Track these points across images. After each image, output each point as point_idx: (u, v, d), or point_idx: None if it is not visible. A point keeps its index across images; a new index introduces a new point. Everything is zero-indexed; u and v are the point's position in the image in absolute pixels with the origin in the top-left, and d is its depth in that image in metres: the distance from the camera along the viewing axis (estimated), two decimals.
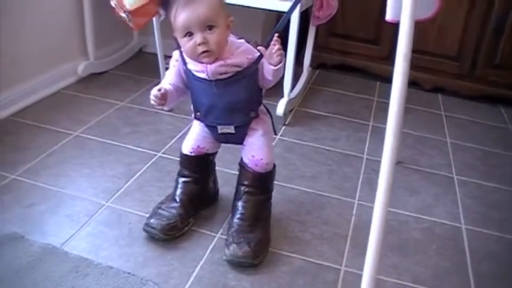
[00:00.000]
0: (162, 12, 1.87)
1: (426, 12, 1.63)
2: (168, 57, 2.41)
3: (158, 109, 2.35)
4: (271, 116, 1.59)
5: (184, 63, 1.46)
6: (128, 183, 1.81)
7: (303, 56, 2.86)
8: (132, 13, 1.87)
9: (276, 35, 1.37)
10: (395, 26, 1.06)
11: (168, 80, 1.51)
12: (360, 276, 1.08)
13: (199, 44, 1.35)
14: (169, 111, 2.37)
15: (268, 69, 1.42)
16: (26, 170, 1.82)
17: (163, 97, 1.43)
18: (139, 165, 1.93)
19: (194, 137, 1.60)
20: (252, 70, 1.43)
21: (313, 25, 2.79)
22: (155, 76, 2.53)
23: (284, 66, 1.44)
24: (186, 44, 1.37)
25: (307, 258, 1.54)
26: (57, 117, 2.22)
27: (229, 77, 1.42)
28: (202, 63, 1.41)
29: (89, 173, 1.85)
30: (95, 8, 2.62)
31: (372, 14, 2.93)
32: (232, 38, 1.45)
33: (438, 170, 2.15)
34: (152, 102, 1.43)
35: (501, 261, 1.65)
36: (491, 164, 2.27)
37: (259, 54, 1.43)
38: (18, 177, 1.78)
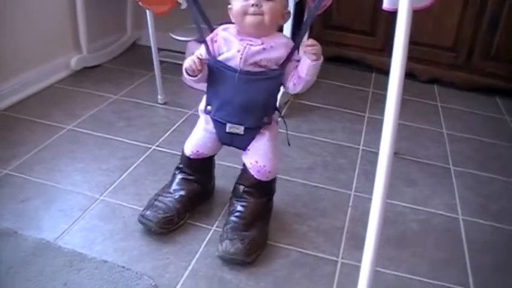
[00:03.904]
0: (182, 1, 1.84)
1: (423, 0, 1.62)
2: (161, 50, 2.41)
3: (152, 103, 2.34)
4: (286, 125, 1.56)
5: (209, 53, 1.42)
6: (122, 176, 1.79)
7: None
8: (142, 2, 1.87)
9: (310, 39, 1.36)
10: (391, 17, 1.05)
11: (200, 51, 1.44)
12: (357, 267, 1.07)
13: (252, 5, 1.33)
14: (163, 104, 2.35)
15: (302, 67, 1.38)
16: (19, 164, 1.80)
17: (202, 64, 1.38)
18: (134, 158, 1.91)
19: (195, 141, 1.57)
20: (278, 73, 1.40)
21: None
22: (149, 69, 2.50)
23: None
24: (238, 3, 1.35)
25: (304, 251, 1.53)
26: (51, 111, 2.20)
27: (255, 72, 1.39)
28: (243, 40, 1.37)
29: (83, 167, 1.83)
30: (88, 1, 2.59)
31: (367, 5, 2.92)
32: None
33: (435, 161, 2.14)
34: (188, 66, 1.38)
35: (499, 251, 1.64)
36: (488, 155, 2.26)
37: (293, 44, 1.41)
38: (11, 172, 1.76)
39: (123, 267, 1.37)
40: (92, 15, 2.66)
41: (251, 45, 1.37)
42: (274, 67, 1.40)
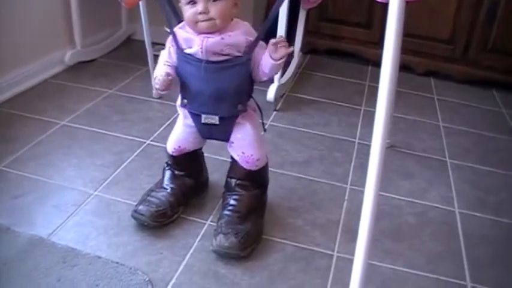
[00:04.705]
0: None
1: None
2: (156, 44, 2.40)
3: (148, 97, 2.34)
4: (261, 112, 1.53)
5: (177, 44, 1.42)
6: (117, 171, 1.79)
7: (294, 41, 2.83)
8: None
9: (280, 35, 1.34)
10: (386, 9, 1.04)
11: (164, 58, 1.45)
12: (353, 261, 1.06)
13: (200, 13, 1.31)
14: (158, 98, 2.34)
15: (266, 62, 1.38)
16: (13, 160, 1.79)
17: (171, 83, 1.39)
18: (128, 153, 1.90)
19: (176, 137, 1.57)
20: (244, 59, 1.39)
21: (304, 9, 2.76)
22: (144, 64, 2.49)
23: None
24: (187, 11, 1.33)
25: (299, 245, 1.52)
26: (45, 106, 2.19)
27: (220, 61, 1.38)
28: (200, 34, 1.36)
29: (77, 163, 1.82)
30: None
31: None
32: (236, 19, 1.41)
33: (431, 154, 2.13)
34: (157, 87, 1.38)
35: (496, 245, 1.63)
36: (485, 148, 2.25)
37: (256, 35, 1.39)
38: (4, 168, 1.74)
39: (117, 262, 1.37)
40: (86, 9, 2.64)
41: (208, 37, 1.36)
42: (237, 54, 1.38)
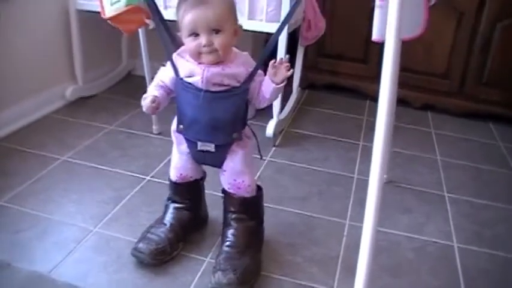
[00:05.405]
0: (149, 22, 1.91)
1: (413, 31, 1.64)
2: None
3: (147, 132, 2.35)
4: (256, 139, 1.55)
5: (176, 72, 1.44)
6: (117, 208, 1.79)
7: (292, 77, 2.86)
8: (112, 20, 1.98)
9: (282, 57, 1.36)
10: (383, 46, 1.07)
11: (160, 78, 1.50)
12: None
13: (204, 46, 1.34)
14: (158, 134, 2.36)
15: (267, 87, 1.40)
16: (13, 195, 1.81)
17: (157, 107, 1.44)
18: (128, 189, 1.91)
19: (175, 166, 1.59)
20: (242, 89, 1.41)
21: (302, 45, 2.81)
22: None
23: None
24: (190, 43, 1.36)
25: (298, 281, 1.52)
26: (45, 141, 2.21)
27: (219, 91, 1.40)
28: (201, 64, 1.39)
29: (77, 199, 1.83)
30: (83, 32, 2.62)
31: (360, 33, 2.93)
32: (235, 49, 1.44)
33: (429, 188, 2.14)
34: (144, 109, 1.44)
35: (494, 278, 1.63)
36: (482, 181, 2.26)
37: (255, 65, 1.41)
38: (5, 204, 1.76)
39: None
40: (87, 45, 2.69)
41: (210, 68, 1.39)
42: (236, 84, 1.41)
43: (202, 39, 1.34)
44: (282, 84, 1.39)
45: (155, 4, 1.53)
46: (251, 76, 1.41)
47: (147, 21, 1.93)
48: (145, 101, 1.43)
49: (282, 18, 2.16)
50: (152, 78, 2.33)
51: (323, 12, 2.71)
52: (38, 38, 2.42)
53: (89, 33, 2.68)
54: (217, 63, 1.38)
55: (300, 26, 2.60)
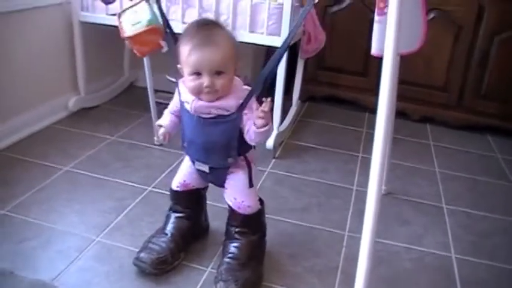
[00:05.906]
0: (164, 44, 1.94)
1: (411, 45, 1.66)
2: (157, 91, 2.45)
3: (149, 144, 2.37)
4: (250, 169, 1.53)
5: (179, 94, 1.48)
6: (119, 218, 1.81)
7: (292, 89, 2.89)
8: (131, 40, 2.01)
9: (269, 99, 1.34)
10: (381, 59, 1.09)
11: (171, 106, 1.56)
12: None
13: (206, 87, 1.36)
14: (159, 145, 2.38)
15: (251, 130, 1.41)
16: (16, 205, 1.82)
17: (168, 134, 1.52)
18: (130, 199, 1.93)
19: (182, 172, 1.62)
20: (234, 116, 1.42)
21: (302, 58, 2.83)
22: (146, 110, 2.54)
23: (272, 114, 1.42)
24: (191, 81, 1.38)
25: None
26: (48, 152, 2.23)
27: (210, 117, 1.43)
28: (199, 98, 1.41)
29: (80, 208, 1.85)
30: (86, 43, 2.65)
31: (359, 46, 2.97)
32: (235, 81, 1.45)
33: (428, 199, 2.16)
34: (161, 139, 1.54)
35: None
36: (480, 193, 2.28)
37: (242, 102, 1.41)
38: (8, 213, 1.77)
39: None
40: (89, 57, 2.71)
41: (199, 100, 1.41)
42: (226, 113, 1.42)
43: (205, 81, 1.36)
44: (262, 129, 1.37)
45: (170, 27, 1.62)
46: (242, 106, 1.42)
47: (162, 43, 1.95)
48: (159, 132, 1.53)
49: (283, 31, 2.19)
50: (155, 90, 2.38)
51: (323, 26, 2.74)
52: (41, 49, 2.45)
53: (91, 45, 2.71)
54: None
55: (300, 39, 2.63)
